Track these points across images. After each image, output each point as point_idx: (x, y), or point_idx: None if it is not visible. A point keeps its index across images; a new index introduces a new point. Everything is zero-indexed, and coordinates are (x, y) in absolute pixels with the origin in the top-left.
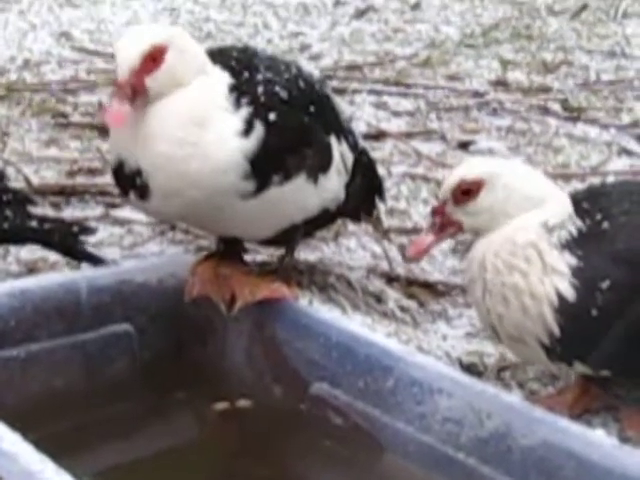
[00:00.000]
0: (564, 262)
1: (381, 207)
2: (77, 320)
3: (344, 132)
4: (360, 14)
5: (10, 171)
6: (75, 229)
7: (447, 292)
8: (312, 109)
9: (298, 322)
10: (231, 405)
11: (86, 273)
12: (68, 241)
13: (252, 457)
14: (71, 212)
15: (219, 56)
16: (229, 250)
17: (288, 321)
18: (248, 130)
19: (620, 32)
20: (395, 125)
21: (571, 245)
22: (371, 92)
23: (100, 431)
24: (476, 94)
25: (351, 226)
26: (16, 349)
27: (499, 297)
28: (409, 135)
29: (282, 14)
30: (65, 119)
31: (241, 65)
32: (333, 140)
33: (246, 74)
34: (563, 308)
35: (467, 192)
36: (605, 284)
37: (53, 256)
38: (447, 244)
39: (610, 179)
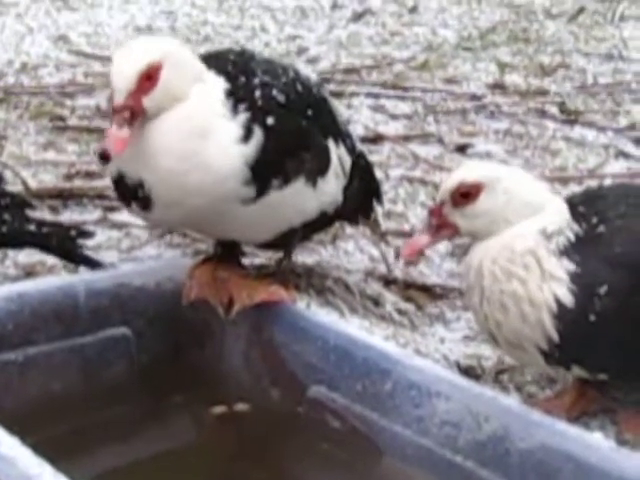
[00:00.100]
0: (562, 268)
1: (379, 210)
2: (75, 324)
3: (342, 135)
4: (357, 17)
5: (8, 174)
6: (73, 233)
7: (445, 295)
8: (310, 112)
9: (296, 325)
10: (229, 408)
11: (84, 276)
12: (66, 245)
13: (250, 460)
14: (69, 215)
15: (215, 60)
16: (227, 253)
17: (286, 324)
18: (247, 136)
19: (617, 35)
20: (393, 128)
21: (569, 251)
22: (369, 95)
23: (98, 434)
24: (473, 97)
25: (349, 229)
26: (14, 353)
27: (497, 304)
28: (407, 138)
29: (279, 17)
30: (63, 122)
31: (238, 69)
32: (331, 143)
33: (242, 78)
34: (562, 314)
35: (466, 195)
36: (603, 289)
37: (51, 260)
38: (445, 247)
39: (607, 182)
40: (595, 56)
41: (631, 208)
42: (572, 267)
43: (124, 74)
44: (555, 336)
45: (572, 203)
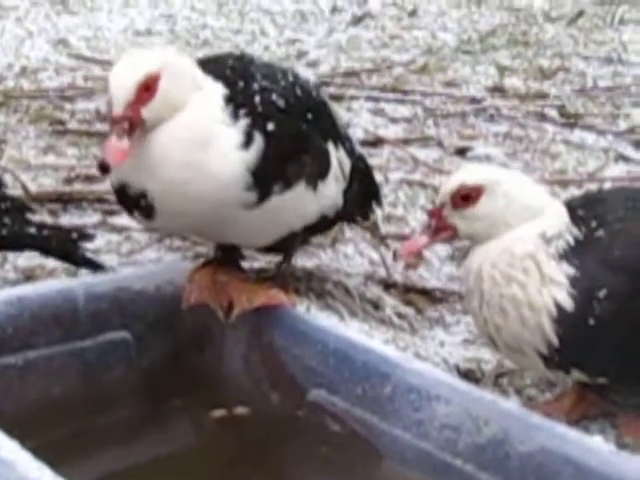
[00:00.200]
0: (562, 272)
1: (378, 213)
2: (75, 327)
3: (341, 138)
4: (357, 21)
5: (8, 178)
6: (73, 235)
7: (444, 299)
8: (309, 116)
9: (295, 329)
10: (229, 412)
11: (84, 280)
12: (66, 247)
13: (250, 464)
14: (69, 219)
15: (213, 65)
16: (227, 257)
17: (285, 328)
18: (248, 142)
19: (617, 38)
20: (392, 131)
21: (568, 255)
22: (368, 99)
23: (98, 438)
24: (473, 100)
25: (348, 233)
26: (14, 356)
27: (497, 308)
28: (406, 141)
29: (279, 21)
30: (62, 126)
31: (236, 74)
32: (331, 147)
33: (241, 83)
34: (561, 318)
35: (466, 197)
36: (602, 293)
37: (51, 263)
38: (445, 251)
39: (607, 185)
40: (595, 59)
41: (630, 212)
42: (572, 271)
43: (122, 85)
44: (555, 340)
45: (571, 207)
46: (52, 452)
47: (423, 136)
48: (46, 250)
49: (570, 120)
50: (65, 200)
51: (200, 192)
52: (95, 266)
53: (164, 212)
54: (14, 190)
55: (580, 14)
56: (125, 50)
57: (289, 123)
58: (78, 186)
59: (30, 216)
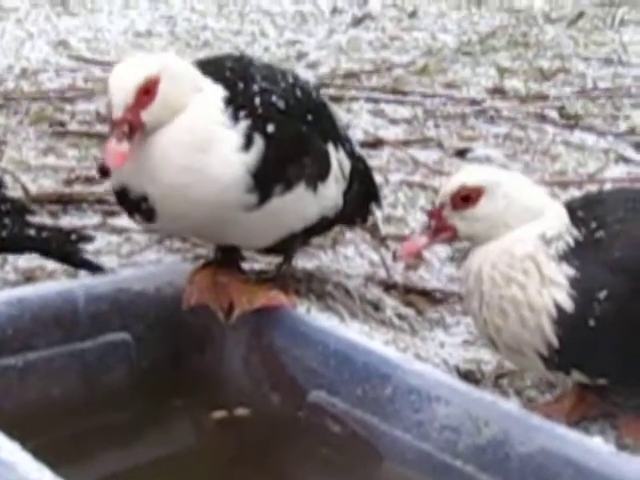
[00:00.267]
0: (562, 273)
1: (378, 215)
2: (75, 329)
3: (341, 139)
4: (357, 22)
5: (8, 180)
6: (73, 237)
7: (445, 300)
8: (309, 117)
9: (296, 330)
10: (229, 413)
11: (84, 282)
12: (66, 249)
13: (250, 465)
14: (69, 220)
15: (213, 67)
16: (227, 258)
17: (286, 329)
18: (248, 144)
19: (617, 39)
20: (392, 133)
21: (568, 256)
22: (368, 100)
23: (98, 439)
24: (473, 102)
25: (349, 234)
26: (14, 358)
27: (497, 309)
28: (406, 143)
29: (279, 22)
30: (63, 127)
31: (236, 75)
32: (331, 148)
33: (241, 85)
34: (561, 319)
35: (466, 198)
36: (602, 294)
37: (51, 265)
38: (445, 252)
39: (607, 186)
40: (595, 61)
41: (630, 213)
42: (571, 272)
43: (122, 88)
44: (555, 341)
45: (571, 208)
46: (52, 453)
47: (423, 137)
48: (45, 252)
49: (570, 121)
50: (65, 201)
51: (201, 195)
52: (94, 268)
53: (165, 215)
54: (14, 191)
55: (580, 15)
56: (125, 51)
57: (289, 125)
58: (78, 187)
59: (30, 218)
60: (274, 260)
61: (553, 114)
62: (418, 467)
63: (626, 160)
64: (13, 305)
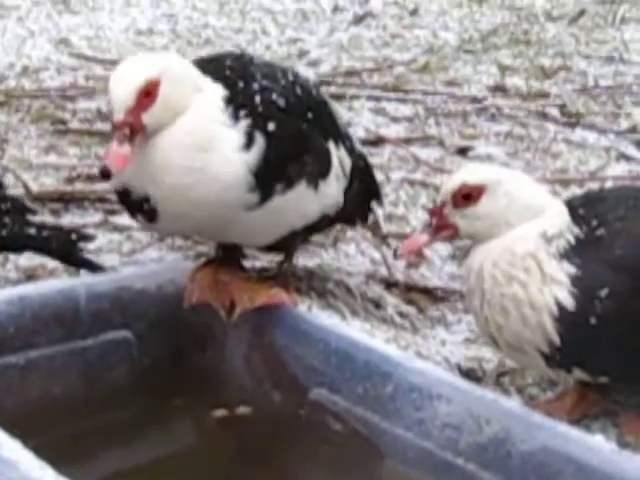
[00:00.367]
0: (563, 271)
1: (380, 213)
2: (76, 327)
3: (342, 137)
4: (358, 20)
5: (9, 178)
6: (73, 236)
7: (446, 298)
8: (310, 115)
9: (297, 328)
10: (230, 412)
11: (85, 280)
12: (66, 248)
13: (251, 463)
14: (70, 219)
15: (213, 65)
16: (228, 256)
17: (287, 327)
18: (249, 143)
19: (618, 37)
20: (394, 131)
21: (569, 254)
22: (369, 98)
23: (99, 438)
24: (474, 100)
25: (350, 232)
26: (15, 356)
27: (498, 307)
28: (407, 141)
29: (280, 20)
30: (64, 126)
31: (236, 74)
32: (331, 145)
33: (241, 84)
34: (563, 317)
35: (468, 196)
36: (603, 292)
37: (52, 263)
38: (446, 250)
39: (608, 184)
40: (596, 58)
41: (631, 211)
42: (573, 270)
43: (122, 91)
44: (556, 339)
45: (572, 206)
46: (54, 451)
47: (424, 135)
48: (46, 251)
49: (571, 119)
50: (66, 199)
51: (202, 196)
52: (94, 267)
53: (166, 215)
54: (15, 190)
55: (581, 13)
56: (127, 49)
57: (290, 123)
58: (79, 185)
59: (30, 217)
60: (275, 258)
61: (554, 112)
62: (419, 465)
63: (627, 158)
64: (14, 303)
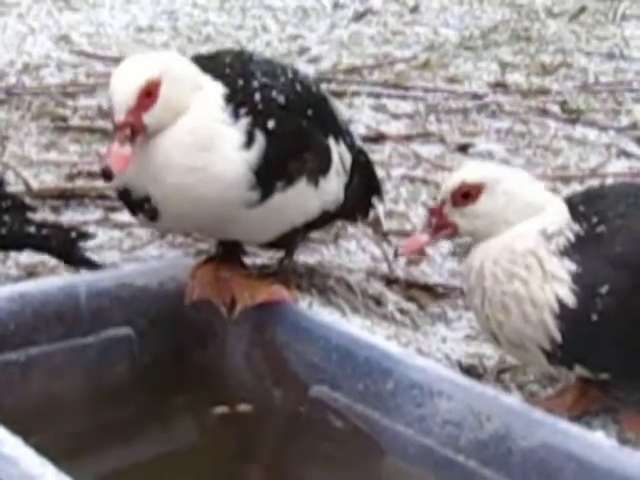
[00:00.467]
0: (564, 268)
1: (380, 209)
2: (77, 324)
3: (342, 133)
4: (359, 17)
5: (10, 175)
6: (73, 235)
7: (446, 294)
8: (310, 112)
9: (298, 325)
10: (231, 409)
11: (86, 277)
12: (66, 247)
13: (252, 460)
14: (71, 216)
15: (212, 63)
16: (229, 253)
17: (288, 324)
18: (249, 141)
19: (619, 34)
20: (394, 128)
21: (570, 251)
22: (370, 95)
23: (100, 434)
24: (475, 96)
25: (350, 229)
26: (16, 353)
27: (499, 305)
28: (408, 138)
29: (281, 17)
30: (64, 123)
31: (235, 72)
32: (331, 141)
33: (241, 81)
34: (564, 314)
35: (467, 195)
36: (604, 289)
37: (53, 260)
38: (446, 247)
39: (609, 181)
40: (597, 55)
41: (631, 207)
42: (573, 267)
43: (123, 91)
44: (557, 336)
45: (572, 203)
46: (54, 448)
47: (425, 132)
48: (45, 249)
49: (572, 116)
50: (67, 196)
51: (204, 194)
52: (94, 266)
53: (168, 214)
54: (16, 187)
55: (582, 10)
56: (127, 46)
57: (290, 120)
58: (80, 182)
59: (31, 214)
60: (276, 255)
61: (555, 109)
62: (420, 462)
63: (628, 155)
64: (15, 300)
